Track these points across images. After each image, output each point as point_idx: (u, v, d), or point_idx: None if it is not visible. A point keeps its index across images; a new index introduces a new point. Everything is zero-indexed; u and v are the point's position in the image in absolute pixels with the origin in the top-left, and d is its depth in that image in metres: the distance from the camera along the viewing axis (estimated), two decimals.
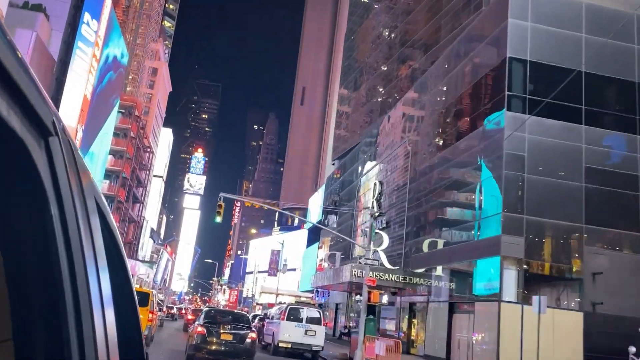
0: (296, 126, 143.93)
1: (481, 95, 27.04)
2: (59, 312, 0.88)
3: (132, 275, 1.69)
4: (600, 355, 21.47)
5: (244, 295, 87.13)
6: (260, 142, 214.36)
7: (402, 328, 30.50)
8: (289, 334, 21.45)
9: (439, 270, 28.24)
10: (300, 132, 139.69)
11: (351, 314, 42.75)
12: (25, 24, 33.63)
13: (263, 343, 24.77)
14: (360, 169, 47.95)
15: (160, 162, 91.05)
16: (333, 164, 66.93)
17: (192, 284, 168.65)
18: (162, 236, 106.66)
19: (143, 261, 66.79)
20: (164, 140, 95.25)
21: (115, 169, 55.98)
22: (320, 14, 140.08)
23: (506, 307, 21.54)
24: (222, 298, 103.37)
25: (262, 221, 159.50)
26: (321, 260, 57.87)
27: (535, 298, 18.49)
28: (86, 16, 38.92)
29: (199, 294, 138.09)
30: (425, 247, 31.42)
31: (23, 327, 0.84)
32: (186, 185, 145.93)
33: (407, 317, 30.78)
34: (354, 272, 29.63)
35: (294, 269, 74.49)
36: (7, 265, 0.82)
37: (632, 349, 16.23)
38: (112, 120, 52.51)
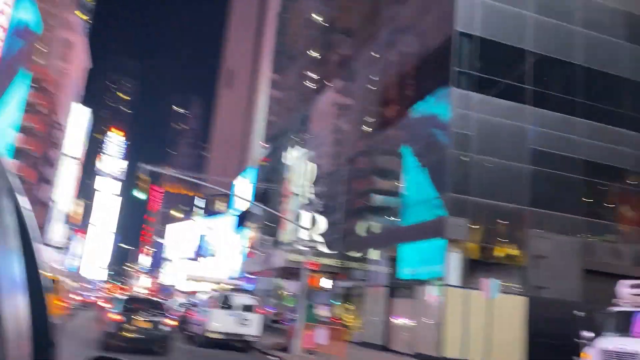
0: (222, 110, 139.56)
1: (424, 73, 26.00)
2: None
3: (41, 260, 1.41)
4: (543, 340, 21.16)
5: (165, 282, 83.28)
6: (184, 126, 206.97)
7: (337, 314, 29.21)
8: (220, 323, 19.44)
9: (377, 254, 27.13)
10: (226, 116, 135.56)
11: (281, 302, 41.14)
12: None
13: (189, 333, 22.56)
14: (288, 154, 46.18)
15: (75, 142, 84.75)
16: (264, 147, 64.67)
17: (111, 272, 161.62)
18: (78, 221, 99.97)
19: (50, 246, 61.72)
20: (79, 119, 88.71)
21: (24, 147, 50.86)
22: None
23: (450, 291, 20.66)
24: (141, 285, 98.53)
25: (184, 207, 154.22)
26: (249, 246, 55.82)
27: (485, 281, 17.62)
28: None
29: (118, 282, 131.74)
30: (361, 231, 30.31)
31: None
32: (99, 165, 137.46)
33: (342, 302, 29.53)
34: (288, 257, 27.99)
35: (220, 256, 71.81)
36: None
37: (587, 335, 15.66)
38: (20, 91, 47.46)
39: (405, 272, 24.19)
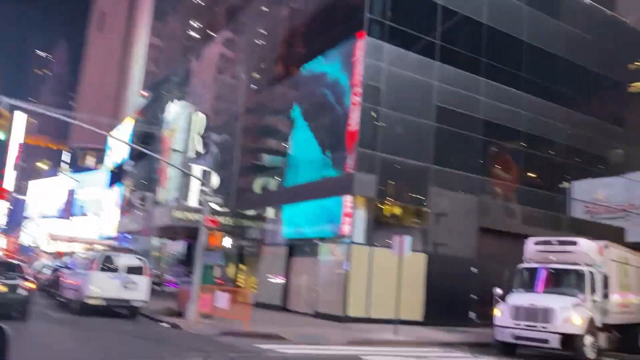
0: (92, 56, 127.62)
1: (332, 20, 24.45)
2: None
3: None
4: (441, 296, 21.29)
5: (25, 243, 75.33)
6: (47, 71, 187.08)
7: (232, 275, 27.52)
8: (101, 287, 16.87)
9: (274, 213, 25.68)
10: (97, 63, 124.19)
11: (163, 263, 38.46)
12: None
13: (62, 300, 19.61)
14: (170, 108, 42.63)
15: None
16: (143, 97, 59.56)
17: None
18: None
19: None
20: None
21: None
22: None
23: (356, 250, 19.88)
24: None
25: (48, 161, 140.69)
26: (124, 204, 51.61)
27: (399, 239, 16.93)
28: None
29: None
30: (257, 188, 28.61)
31: None
32: None
33: (235, 263, 27.85)
34: (175, 215, 25.60)
35: (92, 215, 66.09)
36: None
37: (498, 291, 15.65)
38: None
39: (304, 231, 23.05)
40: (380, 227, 20.99)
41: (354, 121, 20.86)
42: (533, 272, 15.57)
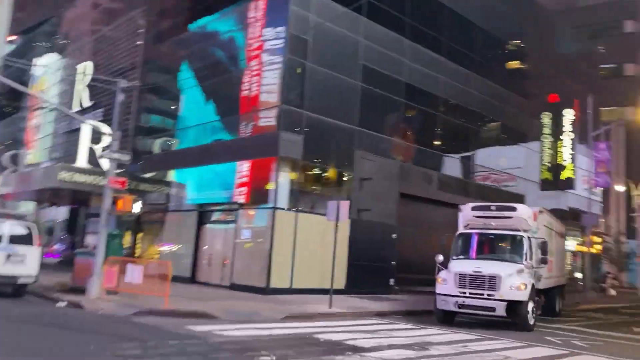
0: None
1: None
2: None
3: None
4: (362, 264, 20.57)
5: None
6: None
7: (127, 244, 24.65)
8: None
9: (179, 175, 23.23)
10: None
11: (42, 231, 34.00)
12: None
13: None
14: (39, 61, 37.44)
15: None
16: (10, 43, 52.06)
17: None
18: None
19: None
20: None
21: None
22: None
23: (280, 215, 18.32)
24: None
25: None
26: None
27: (333, 203, 15.65)
28: None
29: None
30: (156, 148, 25.80)
31: None
32: None
33: (133, 230, 24.99)
34: (61, 176, 22.17)
35: None
36: None
37: (440, 258, 15.04)
38: None
39: (216, 196, 21.02)
40: (304, 192, 19.63)
41: (272, 75, 19.13)
42: (473, 238, 15.11)
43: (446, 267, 14.54)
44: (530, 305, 13.62)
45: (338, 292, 19.25)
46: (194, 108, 22.91)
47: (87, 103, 29.52)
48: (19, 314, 11.94)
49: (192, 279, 20.75)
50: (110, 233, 15.70)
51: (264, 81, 19.40)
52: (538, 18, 32.54)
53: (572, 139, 31.43)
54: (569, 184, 31.38)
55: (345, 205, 15.46)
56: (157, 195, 23.69)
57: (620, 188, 45.21)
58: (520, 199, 29.06)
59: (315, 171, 19.94)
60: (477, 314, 13.92)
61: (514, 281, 13.33)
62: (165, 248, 22.68)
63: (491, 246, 15.02)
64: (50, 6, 41.83)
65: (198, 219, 21.55)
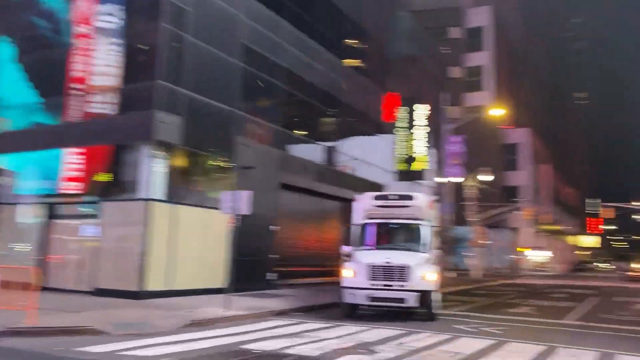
0: None
1: None
2: None
3: None
4: (243, 259, 19.02)
5: None
6: None
7: None
8: None
9: (18, 161, 19.33)
10: None
11: None
12: None
13: None
14: None
15: None
16: None
17: None
18: None
19: None
20: None
21: None
22: None
23: (156, 208, 16.03)
24: None
25: None
26: None
27: (230, 194, 14.02)
28: None
29: None
30: None
31: None
32: None
33: None
34: None
35: None
36: None
37: (346, 249, 14.25)
38: None
39: (70, 185, 17.84)
40: (183, 182, 17.52)
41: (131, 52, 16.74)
42: (376, 228, 14.66)
43: (350, 259, 13.86)
44: (437, 295, 13.54)
45: (220, 291, 17.62)
46: (16, 86, 19.44)
47: None
48: None
49: (41, 285, 17.29)
50: None
51: (101, 61, 16.98)
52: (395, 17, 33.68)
53: (427, 132, 33.15)
54: (421, 174, 33.07)
55: (245, 196, 13.90)
56: None
57: (455, 180, 49.34)
58: (380, 188, 29.86)
59: (195, 158, 17.87)
60: (388, 306, 13.45)
61: (424, 271, 13.10)
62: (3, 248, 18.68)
63: (395, 236, 14.69)
64: None
65: (48, 213, 18.09)
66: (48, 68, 18.80)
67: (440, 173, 35.51)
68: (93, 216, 16.98)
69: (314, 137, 25.45)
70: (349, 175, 26.67)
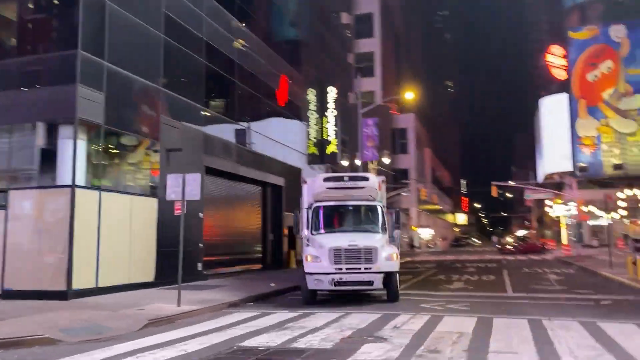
0: None
1: None
2: None
3: None
4: (170, 249, 17.56)
5: None
6: None
7: None
8: None
9: None
10: None
11: None
12: None
13: None
14: None
15: None
16: None
17: None
18: None
19: None
20: None
21: None
22: None
23: (81, 196, 14.13)
24: None
25: None
26: None
27: (174, 178, 12.75)
28: None
29: None
30: None
31: None
32: None
33: None
34: None
35: None
36: None
37: (307, 233, 13.56)
38: None
39: None
40: (105, 166, 15.69)
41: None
42: (330, 211, 14.19)
43: (310, 244, 13.28)
44: (397, 276, 13.44)
45: (150, 285, 16.27)
46: None
47: None
48: None
49: None
50: None
51: None
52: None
53: (335, 116, 33.19)
54: (333, 158, 33.16)
55: (195, 179, 12.66)
56: None
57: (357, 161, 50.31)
58: (298, 172, 29.44)
59: (118, 140, 16.06)
60: (354, 290, 13.09)
61: (388, 252, 12.90)
62: None
63: (351, 218, 14.32)
64: None
65: None
66: None
67: (345, 157, 35.84)
68: (1, 207, 14.60)
69: (232, 117, 24.22)
70: (268, 158, 25.84)
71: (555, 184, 58.59)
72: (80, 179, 14.31)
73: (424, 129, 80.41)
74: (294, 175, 28.73)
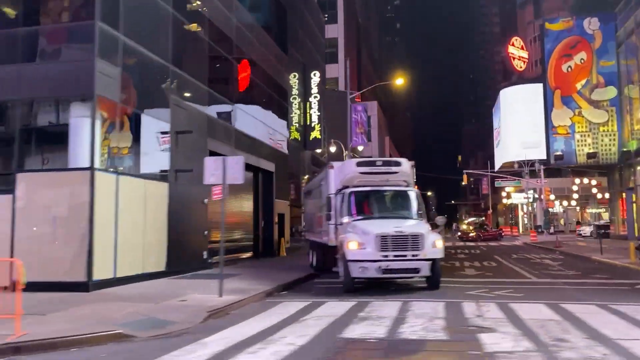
0: None
1: None
2: None
3: None
4: (180, 237, 16.73)
5: None
6: None
7: None
8: None
9: None
10: None
11: None
12: None
13: None
14: None
15: None
16: None
17: None
18: None
19: None
20: None
21: None
22: None
23: (101, 180, 13.05)
24: None
25: None
26: None
27: (213, 160, 11.95)
28: None
29: None
30: None
31: None
32: None
33: None
34: None
35: None
36: None
37: (347, 219, 13.04)
38: None
39: None
40: (120, 148, 14.59)
41: None
42: (364, 196, 13.75)
43: (350, 230, 12.80)
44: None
45: (160, 275, 15.37)
46: None
47: None
48: None
49: None
50: None
51: None
52: None
53: (318, 101, 32.61)
54: (316, 143, 32.61)
55: (237, 162, 11.88)
56: None
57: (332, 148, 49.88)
58: (285, 157, 28.78)
59: (131, 120, 14.95)
60: (400, 277, 12.76)
61: (433, 238, 12.60)
62: None
63: (386, 204, 13.94)
64: None
65: None
66: None
67: (323, 142, 35.35)
68: (8, 191, 13.26)
69: (230, 99, 23.26)
70: (260, 142, 25.01)
71: (513, 173, 60.45)
72: (97, 162, 13.21)
73: (384, 117, 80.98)
74: (282, 161, 28.06)
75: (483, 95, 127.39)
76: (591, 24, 37.48)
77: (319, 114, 32.46)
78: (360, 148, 45.18)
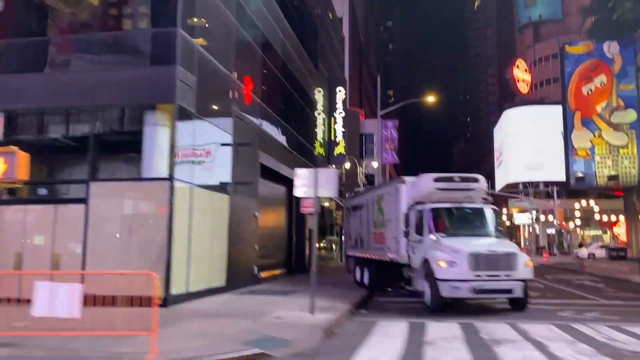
0: None
1: None
2: None
3: None
4: (237, 251, 16.27)
5: None
6: None
7: None
8: None
9: None
10: None
11: None
12: None
13: None
14: None
15: None
16: None
17: None
18: None
19: None
20: None
21: None
22: None
23: (179, 193, 12.60)
24: None
25: None
26: None
27: (307, 172, 11.61)
28: None
29: None
30: None
31: None
32: None
33: None
34: None
35: None
36: None
37: (438, 237, 12.70)
38: None
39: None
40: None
41: None
42: (445, 212, 13.46)
43: (437, 247, 12.46)
44: None
45: (221, 290, 14.87)
46: None
47: None
48: None
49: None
50: None
51: None
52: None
53: (343, 117, 32.43)
54: (340, 159, 32.36)
55: (331, 174, 11.54)
56: None
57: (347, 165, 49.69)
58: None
59: (202, 130, 14.54)
60: (492, 298, 12.44)
61: (525, 259, 12.34)
62: None
63: (468, 221, 13.63)
64: None
65: None
66: None
67: (349, 158, 35.14)
68: (74, 201, 12.74)
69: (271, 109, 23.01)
70: (295, 156, 24.66)
71: (515, 194, 60.71)
72: (176, 172, 12.77)
73: None
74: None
75: (477, 116, 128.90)
76: (611, 48, 38.07)
77: (343, 130, 32.26)
78: (374, 164, 45.00)
